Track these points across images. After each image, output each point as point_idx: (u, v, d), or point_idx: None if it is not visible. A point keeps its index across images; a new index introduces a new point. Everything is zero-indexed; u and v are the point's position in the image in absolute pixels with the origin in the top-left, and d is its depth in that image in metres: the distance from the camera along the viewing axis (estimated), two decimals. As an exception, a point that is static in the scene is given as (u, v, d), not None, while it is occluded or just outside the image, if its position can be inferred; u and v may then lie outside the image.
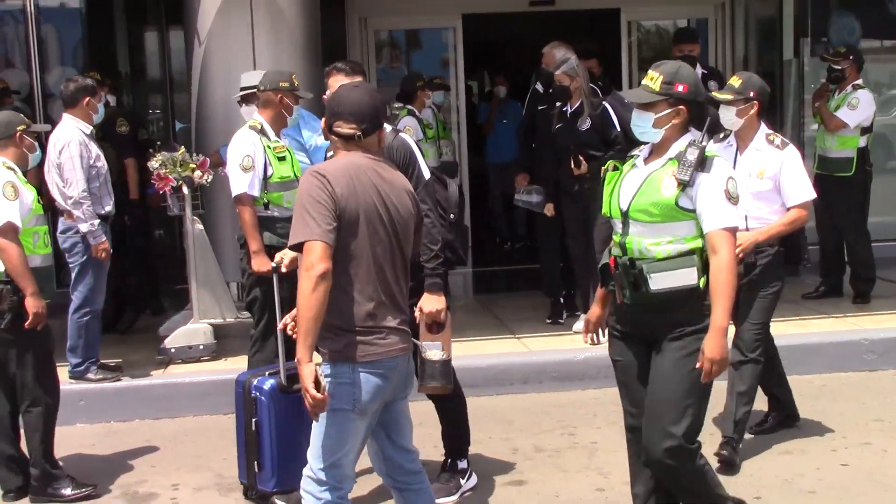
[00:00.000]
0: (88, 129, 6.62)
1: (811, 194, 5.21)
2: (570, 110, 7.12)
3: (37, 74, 8.74)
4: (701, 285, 3.81)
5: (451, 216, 4.82)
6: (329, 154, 4.43)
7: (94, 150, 6.59)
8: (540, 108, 7.70)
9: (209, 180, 6.87)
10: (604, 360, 6.61)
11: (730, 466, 5.14)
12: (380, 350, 3.62)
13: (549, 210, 7.53)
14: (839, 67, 7.91)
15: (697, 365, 3.79)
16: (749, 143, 5.18)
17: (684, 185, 3.77)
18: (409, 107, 8.15)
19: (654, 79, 3.90)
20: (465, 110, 11.48)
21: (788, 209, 5.16)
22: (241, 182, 5.50)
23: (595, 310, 4.28)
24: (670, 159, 3.87)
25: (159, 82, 11.61)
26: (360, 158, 3.68)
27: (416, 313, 4.49)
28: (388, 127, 4.43)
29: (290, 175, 5.59)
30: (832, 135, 7.92)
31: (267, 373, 4.88)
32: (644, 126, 3.92)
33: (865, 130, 7.91)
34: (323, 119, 3.83)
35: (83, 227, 6.41)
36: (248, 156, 5.50)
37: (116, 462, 5.82)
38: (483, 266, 10.67)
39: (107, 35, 10.28)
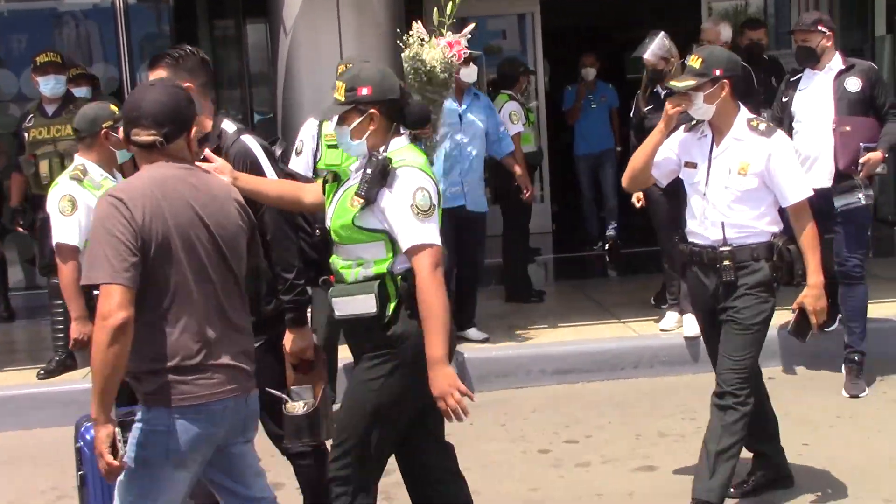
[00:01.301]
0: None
1: (809, 190, 4.41)
2: (663, 92, 6.93)
3: (126, 69, 8.79)
4: (389, 312, 3.49)
5: (317, 231, 4.11)
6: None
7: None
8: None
9: None
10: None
11: None
12: (203, 392, 3.15)
13: (637, 199, 7.32)
14: None
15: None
16: (727, 131, 4.37)
17: (366, 202, 3.43)
18: (510, 92, 8.02)
19: (339, 89, 3.54)
20: (544, 97, 11.39)
21: (785, 209, 4.36)
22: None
23: None
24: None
25: (238, 75, 11.68)
26: (168, 170, 3.20)
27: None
28: (229, 128, 3.96)
29: (339, 163, 5.55)
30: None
31: None
32: (344, 141, 3.59)
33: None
34: (119, 128, 3.44)
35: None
36: (301, 140, 6.02)
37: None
38: (567, 252, 10.58)
39: (190, 30, 10.32)
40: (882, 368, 6.27)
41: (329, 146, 5.82)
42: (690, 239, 4.50)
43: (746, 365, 4.35)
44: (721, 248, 4.34)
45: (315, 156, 5.90)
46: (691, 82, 4.30)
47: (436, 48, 6.06)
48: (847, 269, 6.00)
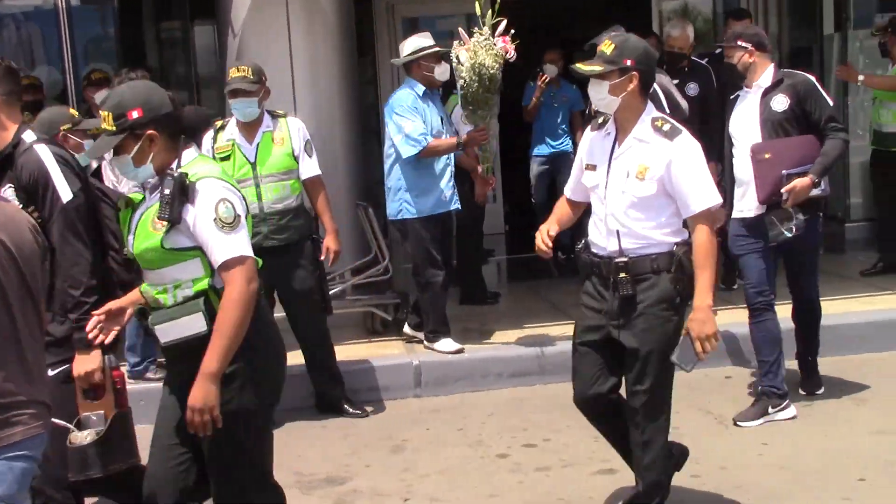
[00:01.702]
0: (139, 123, 6.49)
1: (715, 198, 3.97)
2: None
3: (70, 72, 8.61)
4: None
5: (126, 250, 3.65)
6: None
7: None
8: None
9: None
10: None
11: None
12: (17, 430, 2.87)
13: None
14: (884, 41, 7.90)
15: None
16: (630, 130, 3.99)
17: (171, 223, 3.25)
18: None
19: (106, 118, 3.31)
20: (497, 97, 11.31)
21: (687, 220, 3.97)
22: None
23: None
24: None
25: (185, 78, 11.50)
26: None
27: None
28: (28, 138, 3.78)
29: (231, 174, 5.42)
30: (888, 109, 7.84)
31: None
32: (128, 171, 3.36)
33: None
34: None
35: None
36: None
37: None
38: (517, 253, 10.53)
39: (136, 32, 10.16)
40: (838, 365, 6.29)
41: (221, 158, 5.54)
42: (592, 249, 4.15)
43: (653, 394, 4.04)
44: (617, 260, 3.99)
45: None
46: (598, 68, 3.95)
47: (492, 49, 5.97)
48: (811, 299, 5.81)
